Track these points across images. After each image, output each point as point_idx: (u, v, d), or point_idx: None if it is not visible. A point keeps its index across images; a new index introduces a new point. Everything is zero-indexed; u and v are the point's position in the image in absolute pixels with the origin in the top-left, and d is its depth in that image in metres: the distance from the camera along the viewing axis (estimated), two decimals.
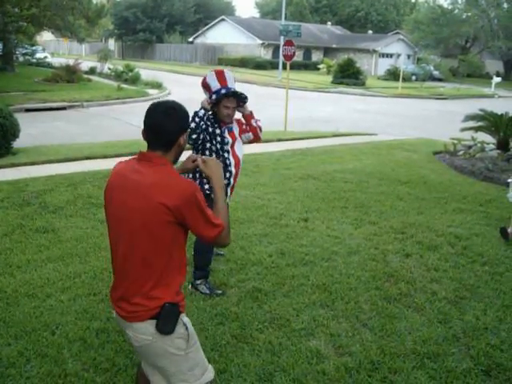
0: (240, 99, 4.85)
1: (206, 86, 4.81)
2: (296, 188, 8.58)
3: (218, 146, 4.78)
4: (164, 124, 2.61)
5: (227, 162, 4.81)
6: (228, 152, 4.83)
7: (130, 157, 2.78)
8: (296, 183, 8.89)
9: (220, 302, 4.72)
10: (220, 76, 4.74)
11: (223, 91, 4.67)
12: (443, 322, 4.58)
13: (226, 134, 4.84)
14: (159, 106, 2.67)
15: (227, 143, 4.83)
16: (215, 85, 4.72)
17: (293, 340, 4.19)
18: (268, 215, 7.11)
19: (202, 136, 4.71)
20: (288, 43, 15.91)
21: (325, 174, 9.51)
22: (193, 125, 4.62)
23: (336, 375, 3.78)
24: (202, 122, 4.70)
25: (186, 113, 2.70)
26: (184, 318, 2.68)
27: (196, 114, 4.69)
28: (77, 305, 4.60)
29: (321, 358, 3.97)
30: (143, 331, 2.57)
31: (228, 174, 4.82)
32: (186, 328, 2.66)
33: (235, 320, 4.43)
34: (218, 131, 4.78)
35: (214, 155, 4.71)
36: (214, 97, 4.70)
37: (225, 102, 4.71)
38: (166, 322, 2.56)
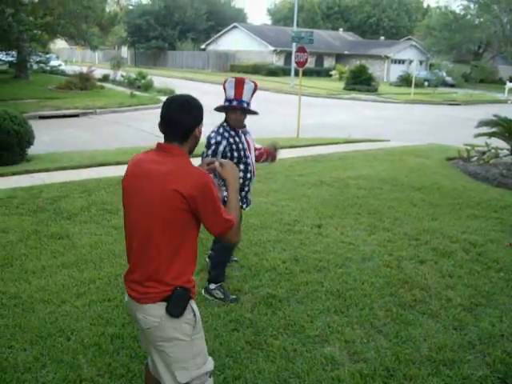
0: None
1: (224, 88, 4.79)
2: (309, 194, 8.57)
3: (242, 152, 4.76)
4: (180, 118, 2.71)
5: (249, 167, 4.82)
6: (248, 157, 4.82)
7: (148, 149, 2.82)
8: (309, 190, 8.88)
9: (234, 308, 4.72)
10: (238, 86, 4.68)
11: (234, 103, 4.68)
12: (459, 328, 4.56)
13: (243, 139, 4.82)
14: (175, 100, 2.77)
15: (246, 148, 4.82)
16: (230, 94, 4.70)
17: (307, 346, 4.18)
18: (282, 221, 7.10)
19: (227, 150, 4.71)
20: (300, 50, 15.94)
21: (338, 181, 9.49)
22: (221, 148, 4.64)
23: (351, 382, 3.76)
24: (225, 143, 4.69)
25: (200, 106, 2.80)
26: (193, 304, 2.74)
27: (216, 137, 4.71)
28: (91, 310, 4.61)
29: (335, 365, 3.96)
30: (153, 313, 2.64)
31: (249, 177, 4.85)
32: (194, 314, 2.73)
33: (250, 326, 4.43)
34: (237, 139, 4.75)
35: (238, 161, 4.71)
36: (225, 104, 4.75)
37: (231, 113, 4.76)
38: (176, 305, 2.63)
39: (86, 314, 4.55)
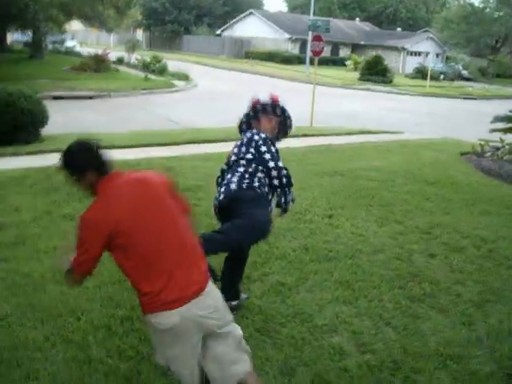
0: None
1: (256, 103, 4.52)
2: (321, 184, 8.55)
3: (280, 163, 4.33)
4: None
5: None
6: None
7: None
8: (321, 179, 8.86)
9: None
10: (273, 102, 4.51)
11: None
12: (467, 324, 4.56)
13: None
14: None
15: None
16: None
17: (315, 335, 4.20)
18: (293, 210, 7.04)
19: None
20: (316, 38, 15.87)
21: (350, 171, 9.46)
22: (273, 149, 4.34)
23: (358, 372, 3.78)
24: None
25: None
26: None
27: (265, 139, 4.34)
28: (102, 292, 4.65)
29: (343, 355, 3.98)
30: (213, 286, 3.00)
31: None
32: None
33: (258, 313, 4.45)
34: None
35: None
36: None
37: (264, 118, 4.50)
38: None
39: (97, 296, 4.59)
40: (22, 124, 10.86)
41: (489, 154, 11.96)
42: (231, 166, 4.34)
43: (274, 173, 4.23)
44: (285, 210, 4.44)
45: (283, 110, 4.57)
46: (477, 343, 4.27)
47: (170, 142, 11.36)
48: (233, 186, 4.12)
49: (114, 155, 9.46)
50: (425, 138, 14.89)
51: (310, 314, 4.49)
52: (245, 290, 4.74)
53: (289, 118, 4.63)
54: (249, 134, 4.35)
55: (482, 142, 12.38)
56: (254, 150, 4.23)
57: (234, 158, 4.35)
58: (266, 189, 4.21)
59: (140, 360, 3.76)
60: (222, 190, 4.22)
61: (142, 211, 2.82)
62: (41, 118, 11.31)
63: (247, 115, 4.61)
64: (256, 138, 4.28)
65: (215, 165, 9.29)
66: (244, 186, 4.10)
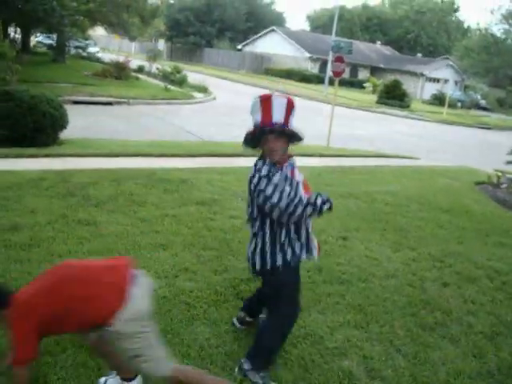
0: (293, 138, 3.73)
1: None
2: (336, 205, 8.46)
3: (292, 193, 3.66)
4: None
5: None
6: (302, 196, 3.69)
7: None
8: (336, 200, 8.80)
9: None
10: (265, 106, 3.60)
11: (266, 128, 3.60)
12: (478, 356, 4.52)
13: (290, 174, 3.77)
14: None
15: (297, 184, 3.79)
16: (257, 118, 3.64)
17: (325, 358, 4.18)
18: None
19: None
20: (338, 59, 15.91)
21: (366, 194, 9.45)
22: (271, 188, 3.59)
23: None
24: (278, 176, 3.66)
25: None
26: None
27: (267, 175, 3.62)
28: None
29: (352, 380, 3.95)
30: None
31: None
32: None
33: None
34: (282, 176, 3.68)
35: None
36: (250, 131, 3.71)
37: (270, 140, 3.63)
38: None
39: None
40: (42, 127, 10.95)
41: (504, 185, 11.91)
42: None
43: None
44: (320, 211, 3.70)
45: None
46: (487, 376, 4.24)
47: (186, 154, 11.41)
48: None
49: (130, 163, 9.61)
50: (440, 165, 14.87)
51: (320, 336, 4.47)
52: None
53: None
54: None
55: (499, 173, 12.34)
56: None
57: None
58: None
59: None
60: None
61: None
62: (61, 122, 11.40)
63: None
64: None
65: (232, 179, 9.36)
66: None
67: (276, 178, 3.60)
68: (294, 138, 3.70)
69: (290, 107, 3.64)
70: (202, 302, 4.74)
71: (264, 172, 3.61)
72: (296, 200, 3.56)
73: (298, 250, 3.82)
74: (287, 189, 3.62)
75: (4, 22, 24.02)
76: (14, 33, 34.12)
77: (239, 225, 6.82)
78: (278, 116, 3.59)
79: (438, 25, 78.77)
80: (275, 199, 3.54)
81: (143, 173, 9.00)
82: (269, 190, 3.56)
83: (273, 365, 3.95)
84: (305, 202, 3.59)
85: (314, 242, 3.99)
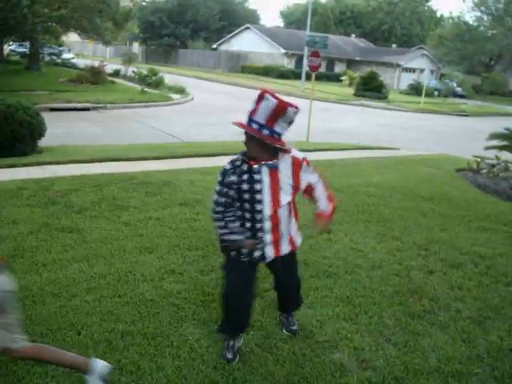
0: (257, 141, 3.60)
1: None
2: None
3: (247, 195, 3.71)
4: None
5: (257, 215, 3.76)
6: (260, 201, 3.72)
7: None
8: None
9: None
10: (257, 101, 3.56)
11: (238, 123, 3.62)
12: (467, 341, 4.55)
13: (258, 175, 3.70)
14: None
15: (255, 189, 3.72)
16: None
17: (316, 352, 4.19)
18: None
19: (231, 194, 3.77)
20: (314, 54, 15.97)
21: (348, 187, 9.48)
22: (217, 188, 3.79)
23: None
24: (230, 179, 3.74)
25: None
26: None
27: (222, 172, 3.80)
28: (102, 306, 4.62)
29: (344, 372, 3.96)
30: None
31: (259, 227, 3.80)
32: None
33: (260, 329, 4.43)
34: (245, 176, 3.71)
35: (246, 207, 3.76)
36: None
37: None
38: None
39: (97, 309, 4.56)
40: (20, 136, 10.87)
41: (484, 170, 12.01)
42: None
43: None
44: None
45: None
46: (477, 360, 4.27)
47: (167, 156, 11.35)
48: None
49: (110, 168, 9.55)
50: (420, 155, 14.98)
51: (310, 331, 4.48)
52: None
53: None
54: None
55: (478, 159, 12.44)
56: None
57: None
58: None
59: (141, 375, 3.74)
60: None
61: None
62: (39, 130, 11.32)
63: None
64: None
65: (213, 178, 9.31)
66: None
67: (228, 178, 3.72)
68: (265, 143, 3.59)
69: (278, 111, 3.52)
70: (191, 303, 4.73)
71: (226, 166, 3.77)
72: (213, 209, 3.83)
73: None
74: (215, 197, 3.82)
75: None
76: None
77: None
78: (259, 116, 3.54)
79: (411, 15, 79.24)
80: (213, 197, 3.84)
81: (124, 177, 8.95)
82: (217, 187, 3.80)
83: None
84: (216, 218, 3.82)
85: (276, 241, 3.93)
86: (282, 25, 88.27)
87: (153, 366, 3.85)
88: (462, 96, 52.05)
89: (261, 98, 3.53)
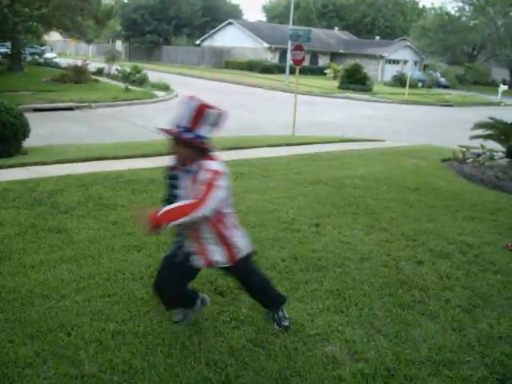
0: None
1: None
2: (306, 193, 8.57)
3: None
4: None
5: None
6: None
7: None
8: (306, 188, 8.89)
9: (234, 306, 4.72)
10: (181, 107, 3.69)
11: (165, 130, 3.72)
12: (457, 329, 4.58)
13: (175, 180, 3.82)
14: None
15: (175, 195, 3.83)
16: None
17: (308, 345, 4.20)
18: (279, 220, 7.11)
19: None
20: (297, 48, 15.96)
21: (334, 180, 9.50)
22: None
23: (352, 381, 3.78)
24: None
25: None
26: None
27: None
28: (92, 306, 4.60)
29: (337, 364, 3.97)
30: None
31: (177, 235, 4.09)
32: None
33: (251, 324, 4.43)
34: (170, 181, 3.89)
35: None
36: None
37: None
38: None
39: (87, 310, 4.54)
40: (3, 137, 10.75)
41: (470, 160, 12.08)
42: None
43: None
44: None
45: None
46: (468, 349, 4.30)
47: (153, 153, 11.31)
48: None
49: (96, 167, 9.51)
50: (405, 146, 15.03)
51: (301, 324, 4.48)
52: (235, 301, 4.74)
53: None
54: None
55: (463, 149, 12.51)
56: None
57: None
58: None
59: (133, 374, 3.73)
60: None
61: None
62: (23, 131, 11.21)
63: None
64: None
65: None
66: None
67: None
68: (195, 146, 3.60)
69: (199, 113, 3.57)
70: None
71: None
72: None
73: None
74: None
75: None
76: None
77: None
78: (182, 119, 3.62)
79: (393, 7, 79.42)
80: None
81: (110, 176, 8.91)
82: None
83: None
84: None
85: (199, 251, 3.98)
86: (264, 19, 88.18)
87: (145, 364, 3.83)
88: (445, 86, 52.28)
89: (183, 102, 3.60)
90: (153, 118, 19.18)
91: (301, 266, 5.64)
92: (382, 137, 16.76)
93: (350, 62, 45.61)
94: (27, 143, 11.60)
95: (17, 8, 25.70)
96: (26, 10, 27.10)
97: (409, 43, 61.31)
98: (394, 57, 58.31)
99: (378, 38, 68.69)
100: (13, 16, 25.24)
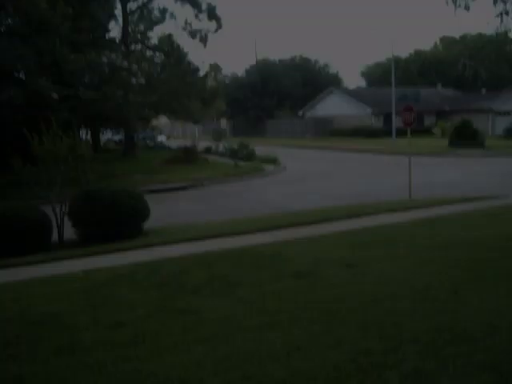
0: None
1: None
2: (436, 258, 8.11)
3: None
4: None
5: None
6: None
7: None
8: (435, 253, 8.42)
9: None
10: None
11: None
12: None
13: None
14: None
15: None
16: None
17: None
18: (413, 289, 6.71)
19: None
20: (408, 108, 15.74)
21: (464, 242, 8.99)
22: None
23: None
24: None
25: None
26: None
27: None
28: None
29: None
30: None
31: None
32: None
33: None
34: None
35: None
36: None
37: None
38: None
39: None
40: (125, 220, 11.10)
41: None
42: None
43: None
44: None
45: None
46: None
47: (270, 227, 11.28)
48: None
49: (215, 244, 9.57)
50: None
51: None
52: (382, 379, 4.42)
53: None
54: None
55: None
56: None
57: None
58: None
59: None
60: None
61: None
62: (144, 213, 11.55)
63: None
64: None
65: (322, 248, 9.11)
66: None
67: None
68: None
69: None
70: (323, 381, 4.45)
71: None
72: None
73: None
74: None
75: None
76: (86, 134, 35.68)
77: (342, 293, 6.56)
78: None
79: (496, 57, 77.43)
80: None
81: (232, 253, 8.92)
82: None
83: None
84: None
85: None
86: (364, 85, 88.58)
87: None
88: None
89: None
90: (264, 192, 19.39)
91: (446, 337, 5.18)
92: (505, 193, 15.92)
93: (456, 119, 44.49)
94: (147, 225, 11.92)
95: (130, 98, 27.24)
96: (139, 99, 28.67)
97: None
98: (503, 108, 56.22)
99: (483, 90, 66.86)
100: (126, 105, 26.74)
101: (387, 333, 5.36)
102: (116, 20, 34.16)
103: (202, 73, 37.64)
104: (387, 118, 51.04)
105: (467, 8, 9.63)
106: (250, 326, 5.69)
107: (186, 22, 35.21)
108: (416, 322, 5.63)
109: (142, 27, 36.55)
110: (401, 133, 37.58)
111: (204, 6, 34.68)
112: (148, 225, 12.04)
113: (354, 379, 4.47)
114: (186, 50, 36.72)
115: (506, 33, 10.71)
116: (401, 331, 5.37)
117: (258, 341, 5.32)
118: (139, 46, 36.57)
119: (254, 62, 75.69)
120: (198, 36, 35.44)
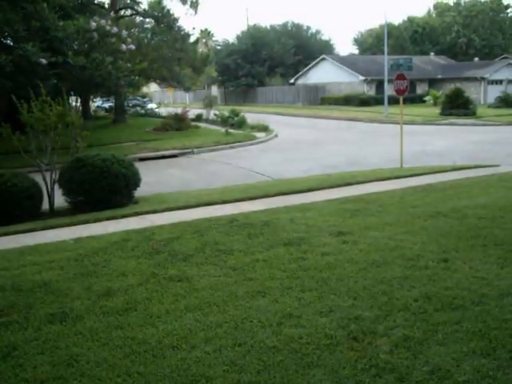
0: None
1: None
2: (427, 227, 8.16)
3: None
4: None
5: None
6: None
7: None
8: (426, 222, 8.47)
9: (371, 351, 4.43)
10: None
11: None
12: None
13: None
14: None
15: None
16: None
17: None
18: (404, 257, 6.76)
19: None
20: (400, 77, 15.64)
21: (455, 211, 9.02)
22: None
23: None
24: None
25: None
26: None
27: None
28: (223, 356, 4.46)
29: None
30: None
31: None
32: None
33: (392, 371, 4.12)
34: None
35: None
36: None
37: None
38: None
39: (218, 360, 4.40)
40: (116, 188, 11.04)
41: None
42: None
43: None
44: None
45: None
46: None
47: (261, 195, 11.27)
48: None
49: (207, 212, 9.54)
50: None
51: (447, 370, 4.12)
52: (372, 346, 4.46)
53: None
54: None
55: None
56: None
57: None
58: None
59: None
60: None
61: None
62: (133, 181, 11.49)
63: None
64: None
65: (314, 215, 9.14)
66: None
67: None
68: None
69: None
70: (314, 348, 4.49)
71: None
72: None
73: None
74: None
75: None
76: (75, 101, 35.30)
77: (333, 261, 6.59)
78: None
79: (490, 25, 76.96)
80: None
81: (223, 220, 8.91)
82: None
83: None
84: None
85: None
86: (356, 52, 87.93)
87: None
88: None
89: None
90: (255, 159, 19.31)
91: (435, 305, 5.26)
92: (496, 162, 15.97)
93: (449, 87, 44.35)
94: (137, 192, 11.87)
95: (119, 64, 26.84)
96: (128, 65, 28.27)
97: (511, 61, 58.96)
98: (495, 77, 56.10)
99: (476, 59, 66.57)
100: (116, 72, 26.38)
101: (378, 300, 5.41)
102: None
103: (192, 39, 37.35)
104: (379, 86, 50.80)
105: None
106: (241, 294, 5.71)
107: None
108: (406, 290, 5.68)
109: None
110: (393, 101, 37.50)
111: None
112: (139, 193, 11.99)
113: (344, 346, 4.51)
114: (176, 16, 36.27)
115: (498, 2, 10.60)
116: (391, 299, 5.42)
117: (249, 308, 5.35)
118: (129, 12, 36.05)
119: (245, 29, 74.99)
120: (188, 2, 34.99)
